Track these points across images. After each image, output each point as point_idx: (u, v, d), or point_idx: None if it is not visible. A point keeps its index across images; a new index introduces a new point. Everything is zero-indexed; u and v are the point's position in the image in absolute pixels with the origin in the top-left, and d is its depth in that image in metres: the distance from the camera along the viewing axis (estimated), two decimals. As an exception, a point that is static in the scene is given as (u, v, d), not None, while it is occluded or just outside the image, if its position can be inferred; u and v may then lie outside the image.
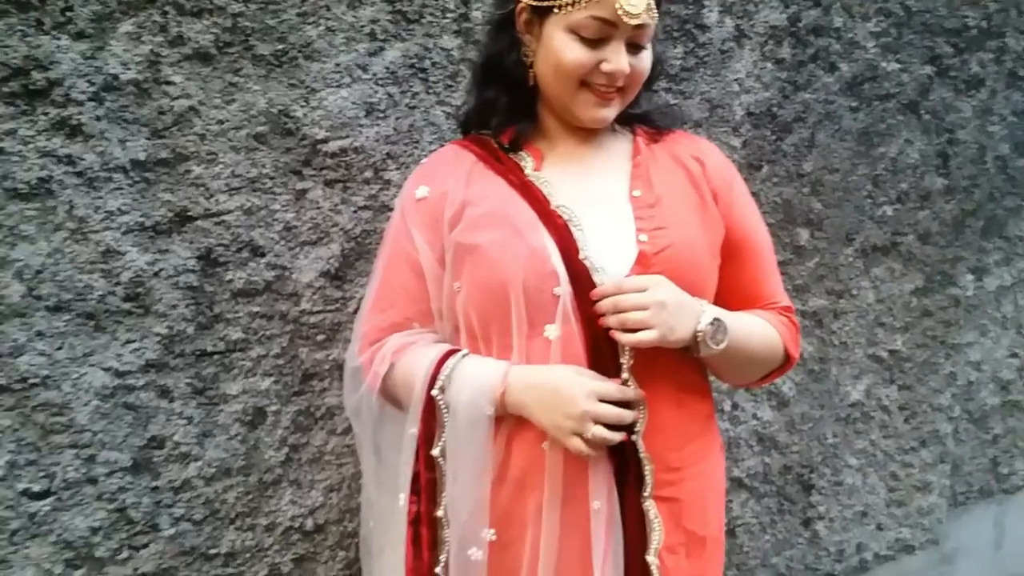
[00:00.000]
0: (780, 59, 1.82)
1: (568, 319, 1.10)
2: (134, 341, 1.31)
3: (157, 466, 1.36)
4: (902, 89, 2.02)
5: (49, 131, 1.21)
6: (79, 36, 1.20)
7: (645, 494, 1.13)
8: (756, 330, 1.20)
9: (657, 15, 1.13)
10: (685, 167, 1.23)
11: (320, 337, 1.45)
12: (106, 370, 1.30)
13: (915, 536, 2.40)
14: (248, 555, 1.46)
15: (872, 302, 2.13)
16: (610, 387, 1.09)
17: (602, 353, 1.11)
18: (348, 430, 1.50)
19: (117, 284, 1.28)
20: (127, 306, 1.30)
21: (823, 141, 1.93)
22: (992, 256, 2.50)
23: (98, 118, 1.23)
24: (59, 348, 1.26)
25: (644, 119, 1.28)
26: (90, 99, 1.22)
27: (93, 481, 1.32)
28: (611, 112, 1.17)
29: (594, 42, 1.10)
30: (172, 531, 1.39)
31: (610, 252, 1.12)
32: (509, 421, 1.13)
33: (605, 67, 1.10)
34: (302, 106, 1.37)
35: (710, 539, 1.19)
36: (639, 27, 1.10)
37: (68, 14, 1.19)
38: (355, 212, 1.44)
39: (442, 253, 1.17)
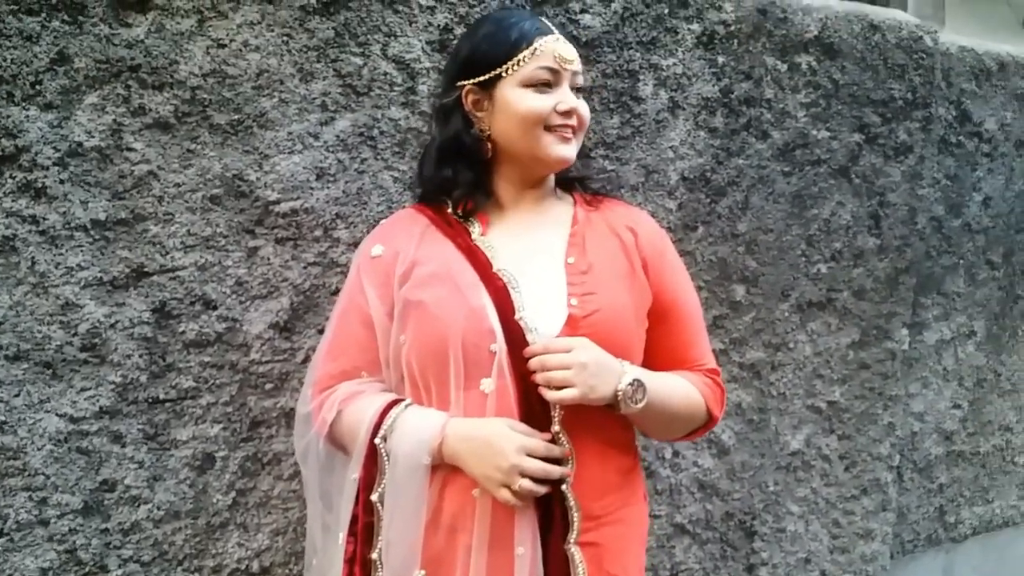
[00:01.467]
0: (713, 128, 1.95)
1: (503, 374, 1.20)
2: (89, 389, 1.39)
3: (108, 508, 1.43)
4: (832, 155, 2.15)
5: (15, 193, 1.30)
6: (47, 107, 1.31)
7: (571, 539, 1.22)
8: (678, 391, 1.30)
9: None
10: (619, 236, 1.34)
11: (268, 386, 1.53)
12: (61, 416, 1.38)
13: (859, 583, 2.47)
14: (195, 596, 1.52)
15: (809, 355, 2.23)
16: (538, 443, 1.19)
17: (533, 407, 1.21)
18: (294, 475, 1.58)
19: (75, 335, 1.37)
20: (84, 355, 1.38)
21: (757, 203, 2.05)
22: (931, 311, 2.62)
23: (62, 181, 1.33)
24: (16, 395, 1.34)
25: (583, 183, 1.42)
26: (55, 164, 1.32)
27: (44, 523, 1.39)
28: (572, 150, 1.31)
29: (545, 89, 1.27)
30: (120, 572, 1.45)
31: (543, 314, 1.23)
32: (444, 469, 1.21)
33: (560, 107, 1.27)
34: (255, 171, 1.47)
35: None
36: (576, 73, 1.30)
37: (37, 87, 1.29)
38: (304, 268, 1.54)
39: (392, 307, 1.27)
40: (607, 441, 1.28)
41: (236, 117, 1.44)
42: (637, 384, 1.20)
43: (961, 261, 2.67)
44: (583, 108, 1.31)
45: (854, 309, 2.28)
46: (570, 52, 1.28)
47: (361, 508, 1.22)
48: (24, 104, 1.29)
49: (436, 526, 1.21)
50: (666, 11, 1.84)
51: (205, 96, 1.41)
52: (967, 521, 2.93)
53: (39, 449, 1.36)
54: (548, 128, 1.27)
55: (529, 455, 1.17)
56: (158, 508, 1.47)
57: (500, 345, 1.20)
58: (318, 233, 1.54)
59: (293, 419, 1.54)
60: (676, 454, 2.05)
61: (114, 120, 1.35)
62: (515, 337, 1.21)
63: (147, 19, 1.35)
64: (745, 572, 2.24)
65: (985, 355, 2.83)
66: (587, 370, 1.16)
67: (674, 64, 1.87)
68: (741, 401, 2.13)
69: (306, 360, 1.55)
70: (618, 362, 1.22)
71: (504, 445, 1.16)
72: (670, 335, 1.35)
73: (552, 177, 1.39)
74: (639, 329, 1.31)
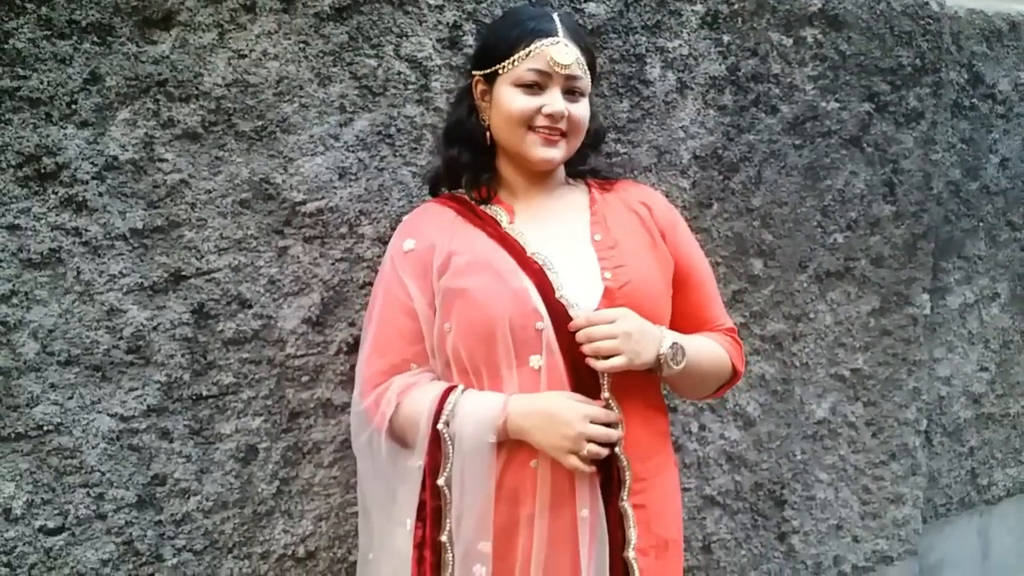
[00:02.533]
0: (722, 106, 1.99)
1: (551, 350, 1.28)
2: (136, 389, 1.47)
3: (160, 501, 1.51)
4: (843, 126, 2.18)
5: (58, 208, 1.38)
6: (83, 125, 1.38)
7: (624, 497, 1.30)
8: (707, 349, 1.39)
9: (588, 71, 1.36)
10: (635, 212, 1.43)
11: (304, 378, 1.60)
12: (112, 416, 1.46)
13: (892, 547, 2.50)
14: (246, 581, 1.60)
15: (830, 324, 2.26)
16: (598, 410, 1.27)
17: (582, 377, 1.29)
18: (334, 463, 1.65)
19: (120, 339, 1.45)
20: (129, 358, 1.46)
21: (770, 178, 2.08)
22: (953, 275, 2.63)
23: (100, 194, 1.40)
24: (70, 398, 1.42)
25: (594, 173, 1.49)
26: (93, 178, 1.40)
27: (103, 517, 1.47)
28: (556, 153, 1.36)
29: (534, 91, 1.33)
30: (175, 561, 1.53)
31: (580, 290, 1.31)
32: (505, 446, 1.28)
33: (545, 110, 1.33)
34: (281, 173, 1.54)
35: (672, 542, 1.37)
36: (571, 77, 1.33)
37: (73, 107, 1.37)
38: (332, 264, 1.60)
39: (432, 298, 1.34)
40: (649, 405, 1.37)
41: (260, 123, 1.51)
42: (677, 347, 1.29)
43: (981, 224, 2.68)
44: (577, 111, 1.35)
45: (873, 277, 2.31)
46: (567, 56, 1.32)
47: (428, 493, 1.28)
48: (61, 123, 1.36)
49: (499, 500, 1.27)
50: (669, -6, 1.88)
51: (229, 105, 1.48)
52: (1000, 483, 2.94)
53: (94, 448, 1.45)
54: (532, 129, 1.33)
55: (592, 422, 1.24)
56: (207, 499, 1.55)
57: (546, 323, 1.27)
58: (343, 230, 1.60)
59: (330, 409, 1.63)
60: (703, 427, 2.10)
61: (145, 133, 1.42)
62: (558, 314, 1.28)
63: (171, 35, 1.42)
64: (777, 540, 2.29)
65: (1010, 316, 2.83)
66: (632, 337, 1.24)
67: (680, 46, 1.90)
68: (764, 373, 2.17)
69: (338, 352, 1.62)
70: (656, 328, 1.30)
71: (569, 415, 1.23)
72: (689, 300, 1.44)
73: (561, 169, 1.46)
74: (667, 296, 1.39)
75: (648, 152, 1.90)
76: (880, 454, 2.43)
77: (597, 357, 1.26)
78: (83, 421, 1.44)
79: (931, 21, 2.27)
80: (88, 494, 1.45)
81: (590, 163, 1.48)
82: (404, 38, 1.61)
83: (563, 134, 1.35)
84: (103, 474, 1.46)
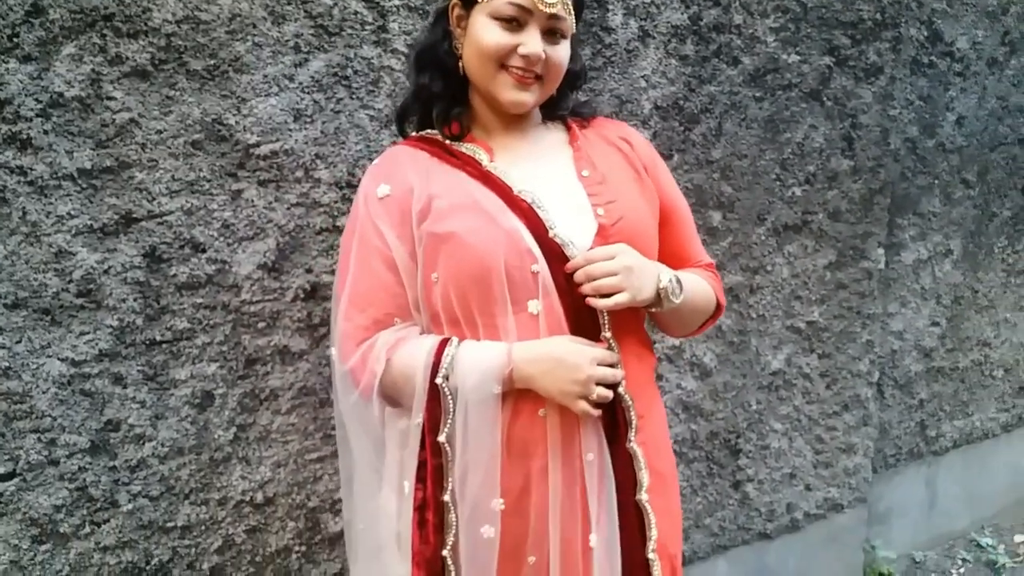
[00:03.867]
0: (684, 56, 1.98)
1: (548, 293, 1.22)
2: (88, 333, 1.44)
3: (114, 447, 1.50)
4: (803, 79, 2.18)
5: (1, 145, 1.34)
6: (26, 59, 1.33)
7: (631, 437, 1.28)
8: (696, 284, 1.37)
9: (572, 12, 1.26)
10: (616, 147, 1.38)
11: (261, 324, 1.59)
12: (63, 360, 1.43)
13: (843, 495, 2.57)
14: (203, 527, 1.60)
15: (787, 277, 2.29)
16: (605, 352, 1.24)
17: (582, 319, 1.24)
18: (292, 410, 1.64)
19: (70, 282, 1.41)
20: (80, 301, 1.43)
21: (730, 130, 2.09)
22: (908, 232, 2.68)
23: (46, 132, 1.36)
24: (18, 342, 1.39)
25: (573, 113, 1.42)
26: (38, 115, 1.35)
27: (55, 463, 1.45)
28: (529, 97, 1.26)
29: (512, 27, 1.22)
30: (130, 506, 1.52)
31: (573, 228, 1.25)
32: (510, 397, 1.23)
33: (521, 50, 1.22)
34: (234, 114, 1.50)
35: (670, 475, 1.36)
36: (554, 17, 1.23)
37: (15, 39, 1.32)
38: (288, 209, 1.58)
39: (412, 247, 1.24)
40: (641, 342, 1.35)
41: (212, 62, 1.47)
42: (676, 280, 1.27)
43: (936, 181, 2.72)
44: (556, 54, 1.25)
45: (830, 231, 2.34)
46: None
47: (429, 451, 1.21)
48: (3, 57, 1.31)
49: (507, 454, 1.22)
50: (632, -60, 1.86)
51: (180, 43, 1.44)
52: (948, 435, 3.03)
53: (44, 392, 1.42)
54: (505, 68, 1.24)
55: (599, 364, 1.21)
56: (162, 445, 1.54)
57: (542, 264, 1.21)
58: (299, 174, 1.58)
59: (287, 356, 1.62)
60: (660, 377, 2.12)
61: (92, 70, 1.38)
62: (554, 254, 1.22)
63: (117, -33, 1.37)
64: (732, 488, 2.34)
65: (962, 273, 2.90)
66: (633, 273, 1.20)
67: (642, -7, 1.89)
68: (721, 324, 2.20)
69: (295, 299, 1.61)
70: (653, 263, 1.27)
71: (578, 359, 1.19)
72: (671, 236, 1.40)
73: (537, 110, 1.38)
74: (656, 231, 1.35)
75: (609, 101, 1.89)
76: (833, 405, 2.48)
77: (598, 296, 1.20)
78: (32, 365, 1.41)
79: (892, -25, 2.27)
80: (39, 439, 1.43)
81: (568, 104, 1.41)
82: (361, -23, 1.57)
83: (538, 77, 1.26)
84: (54, 419, 1.44)
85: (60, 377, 1.43)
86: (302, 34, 1.54)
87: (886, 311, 2.67)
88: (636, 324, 1.34)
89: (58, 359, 1.43)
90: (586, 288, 1.21)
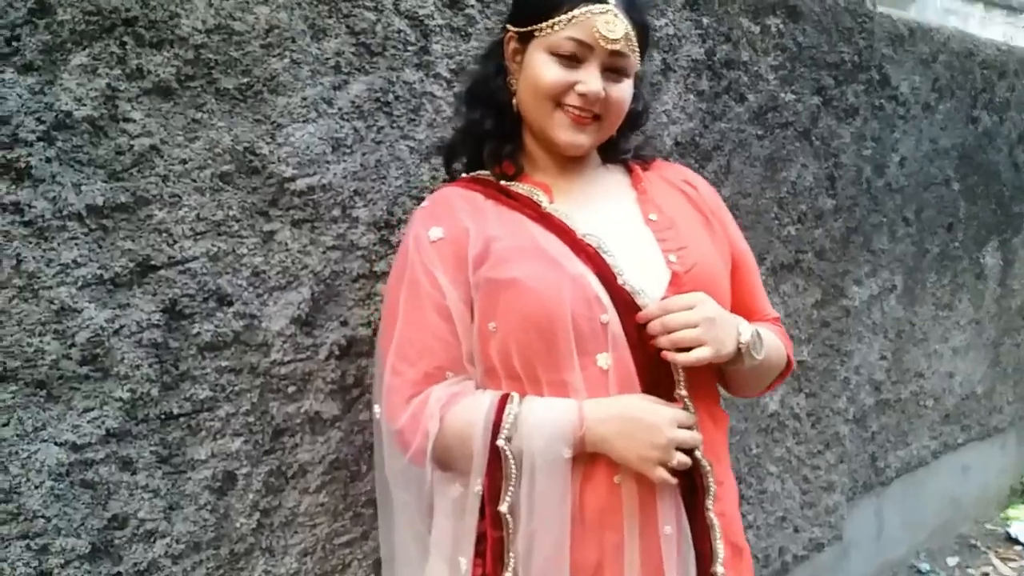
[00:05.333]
0: (700, 91, 1.92)
1: (618, 345, 1.09)
2: (93, 409, 1.16)
3: (119, 549, 1.21)
4: (797, 117, 2.18)
5: (-9, 176, 1.05)
6: (26, 69, 1.06)
7: (709, 506, 1.15)
8: (771, 339, 1.26)
9: (637, 49, 1.17)
10: (681, 191, 1.29)
11: (291, 389, 1.35)
12: (60, 445, 1.14)
13: (824, 534, 2.56)
14: (220, 637, 1.32)
15: (782, 317, 2.26)
16: (683, 413, 1.11)
17: (656, 376, 1.12)
18: (321, 488, 1.41)
19: (72, 346, 1.13)
20: (84, 370, 1.14)
21: (737, 167, 2.05)
22: (863, 268, 2.74)
23: (48, 160, 1.09)
24: (5, 424, 1.09)
25: (634, 155, 1.33)
26: (39, 139, 1.08)
27: (47, 574, 1.15)
28: (585, 138, 1.18)
29: (571, 64, 1.13)
30: (139, 621, 1.23)
31: (644, 275, 1.14)
32: (581, 461, 1.09)
33: (579, 88, 1.13)
34: (268, 143, 1.28)
35: (745, 550, 1.24)
36: (616, 54, 1.13)
37: (14, 44, 1.05)
38: (323, 253, 1.36)
39: (467, 293, 1.13)
40: (714, 401, 1.24)
41: (245, 80, 1.24)
42: (757, 335, 1.16)
43: (884, 219, 2.82)
44: (616, 93, 1.16)
45: (816, 269, 2.34)
46: (615, 30, 1.11)
47: (489, 523, 1.08)
48: (-2, 65, 1.04)
49: (578, 526, 1.09)
50: (657, -30, 1.79)
51: (210, 56, 1.20)
52: (892, 465, 3.12)
53: (36, 487, 1.12)
54: (561, 106, 1.15)
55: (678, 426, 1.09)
56: (177, 541, 1.26)
57: (612, 314, 1.09)
58: (336, 213, 1.36)
59: (318, 424, 1.39)
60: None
61: (108, 85, 1.12)
62: (623, 303, 1.11)
63: (140, -37, 1.13)
64: (734, 536, 2.26)
65: (903, 307, 3.01)
66: (715, 325, 1.09)
67: (665, 25, 1.81)
68: (729, 367, 2.13)
69: (329, 357, 1.38)
70: (731, 315, 1.16)
71: (656, 419, 1.07)
72: (740, 287, 1.30)
73: (596, 152, 1.28)
74: (728, 280, 1.25)
75: (636, 137, 1.79)
76: (817, 444, 2.48)
77: (676, 350, 1.10)
78: (23, 453, 1.11)
79: (866, 19, 2.34)
80: (28, 547, 1.12)
81: (629, 145, 1.32)
82: (404, -8, 1.40)
83: (596, 117, 1.16)
84: (48, 520, 1.14)
85: (57, 467, 1.14)
86: (343, 52, 1.34)
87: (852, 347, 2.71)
88: (710, 381, 1.23)
89: (55, 443, 1.13)
90: (663, 341, 1.10)
